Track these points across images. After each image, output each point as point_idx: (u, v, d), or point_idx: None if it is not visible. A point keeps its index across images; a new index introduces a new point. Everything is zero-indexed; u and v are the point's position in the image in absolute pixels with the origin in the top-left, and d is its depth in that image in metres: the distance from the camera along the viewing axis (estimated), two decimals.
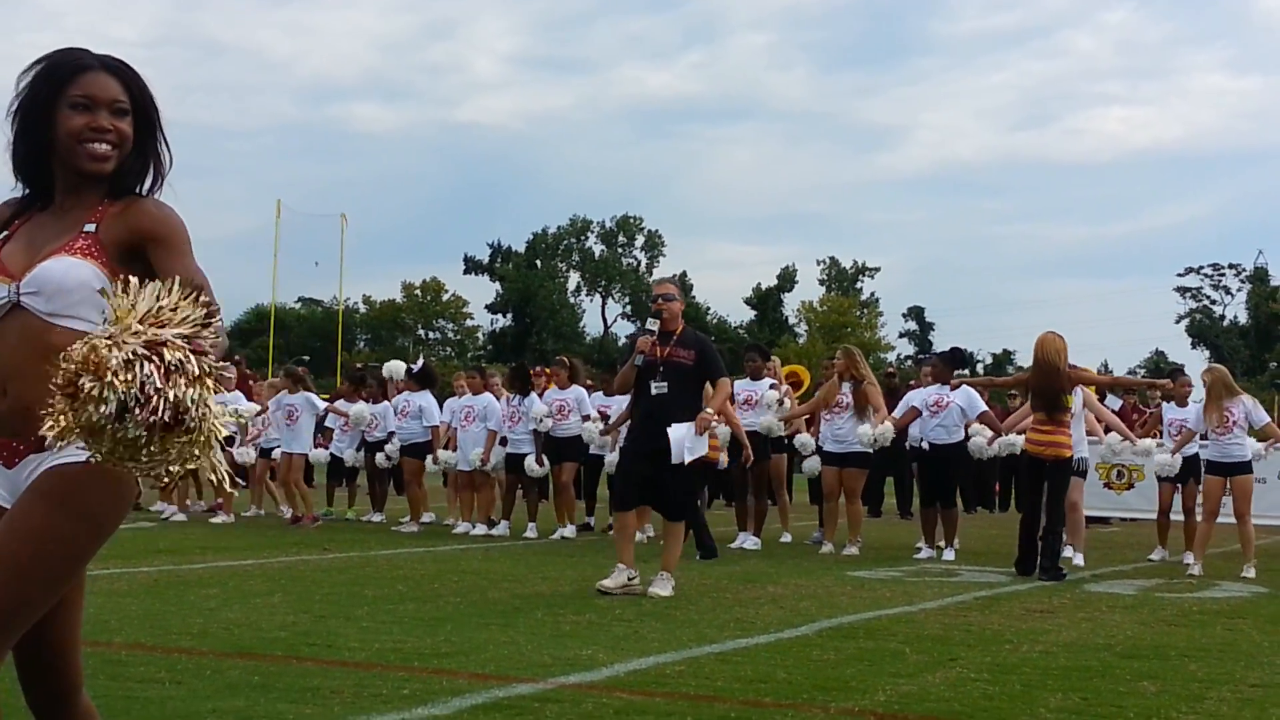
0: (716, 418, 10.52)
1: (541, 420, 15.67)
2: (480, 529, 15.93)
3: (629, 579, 9.92)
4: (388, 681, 6.18)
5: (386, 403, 17.90)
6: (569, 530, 15.57)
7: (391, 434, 17.39)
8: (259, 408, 17.77)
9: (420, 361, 18.03)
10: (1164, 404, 14.91)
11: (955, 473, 14.42)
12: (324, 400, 18.23)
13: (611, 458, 15.44)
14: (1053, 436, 12.06)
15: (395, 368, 18.36)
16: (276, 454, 17.68)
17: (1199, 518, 13.51)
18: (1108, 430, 14.85)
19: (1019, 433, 13.49)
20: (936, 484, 14.16)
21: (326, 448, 18.62)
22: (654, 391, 10.10)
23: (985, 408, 14.66)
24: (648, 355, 10.09)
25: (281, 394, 17.52)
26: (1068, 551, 14.28)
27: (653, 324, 10.19)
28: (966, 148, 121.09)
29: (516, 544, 14.69)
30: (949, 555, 13.75)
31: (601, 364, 28.57)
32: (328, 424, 18.62)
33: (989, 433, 14.22)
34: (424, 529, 16.55)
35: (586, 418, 15.74)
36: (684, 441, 9.83)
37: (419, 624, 8.09)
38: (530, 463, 15.77)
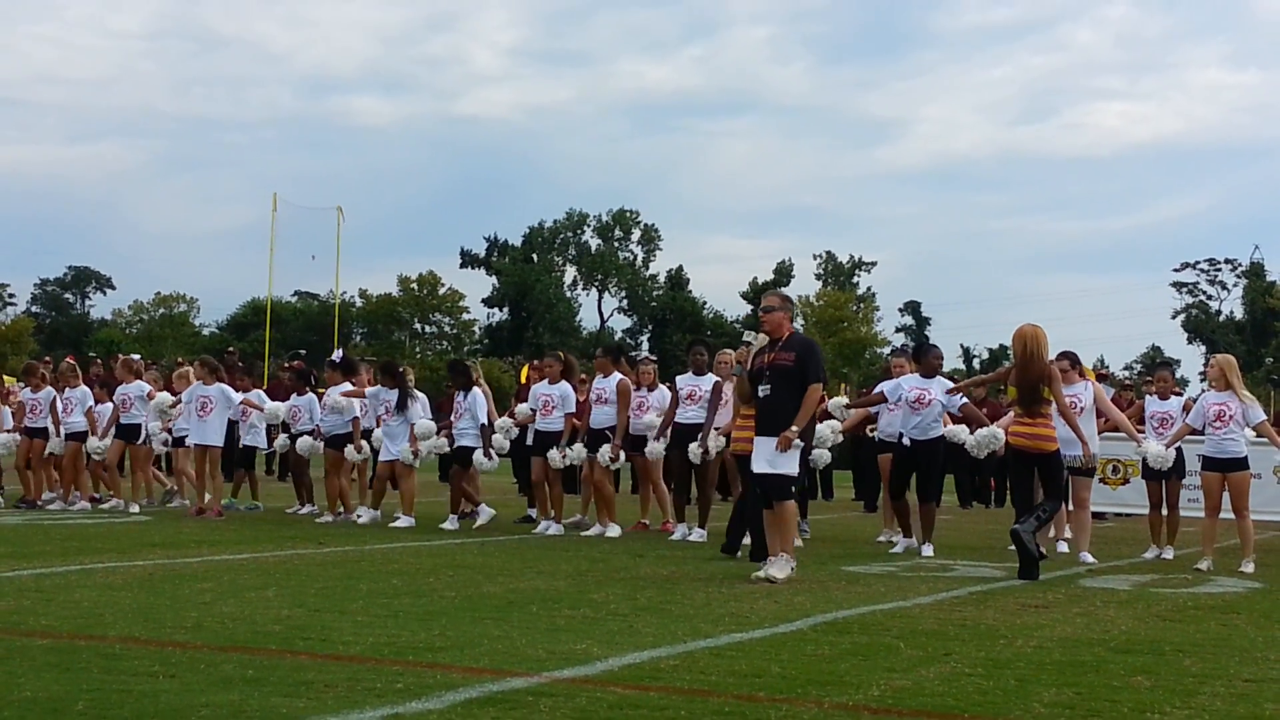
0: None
1: (524, 415, 16.01)
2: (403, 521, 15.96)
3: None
4: (381, 675, 6.18)
5: (311, 395, 17.99)
6: (556, 528, 15.54)
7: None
8: (173, 399, 17.78)
9: (339, 352, 18.05)
10: (1146, 397, 14.90)
11: (935, 468, 14.26)
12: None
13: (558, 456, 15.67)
14: (1035, 429, 11.92)
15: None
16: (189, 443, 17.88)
17: (1187, 513, 13.51)
18: (1110, 426, 14.73)
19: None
20: (917, 479, 14.01)
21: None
22: (760, 394, 10.88)
23: (965, 399, 14.66)
24: (744, 364, 11.05)
25: (196, 385, 17.33)
26: (1063, 546, 14.34)
27: (749, 336, 11.14)
28: (965, 142, 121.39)
29: (511, 538, 14.68)
30: (927, 551, 13.66)
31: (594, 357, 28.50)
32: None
33: (965, 432, 14.27)
34: (340, 520, 16.43)
35: (568, 415, 15.70)
36: (764, 454, 10.62)
37: (413, 618, 8.09)
38: (479, 456, 15.86)
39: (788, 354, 10.81)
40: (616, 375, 15.58)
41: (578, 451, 15.52)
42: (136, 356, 20.04)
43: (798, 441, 10.60)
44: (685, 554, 12.91)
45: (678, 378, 15.32)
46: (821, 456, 15.32)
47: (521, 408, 16.73)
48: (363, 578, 10.25)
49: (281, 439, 18.65)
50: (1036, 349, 11.90)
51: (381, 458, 16.61)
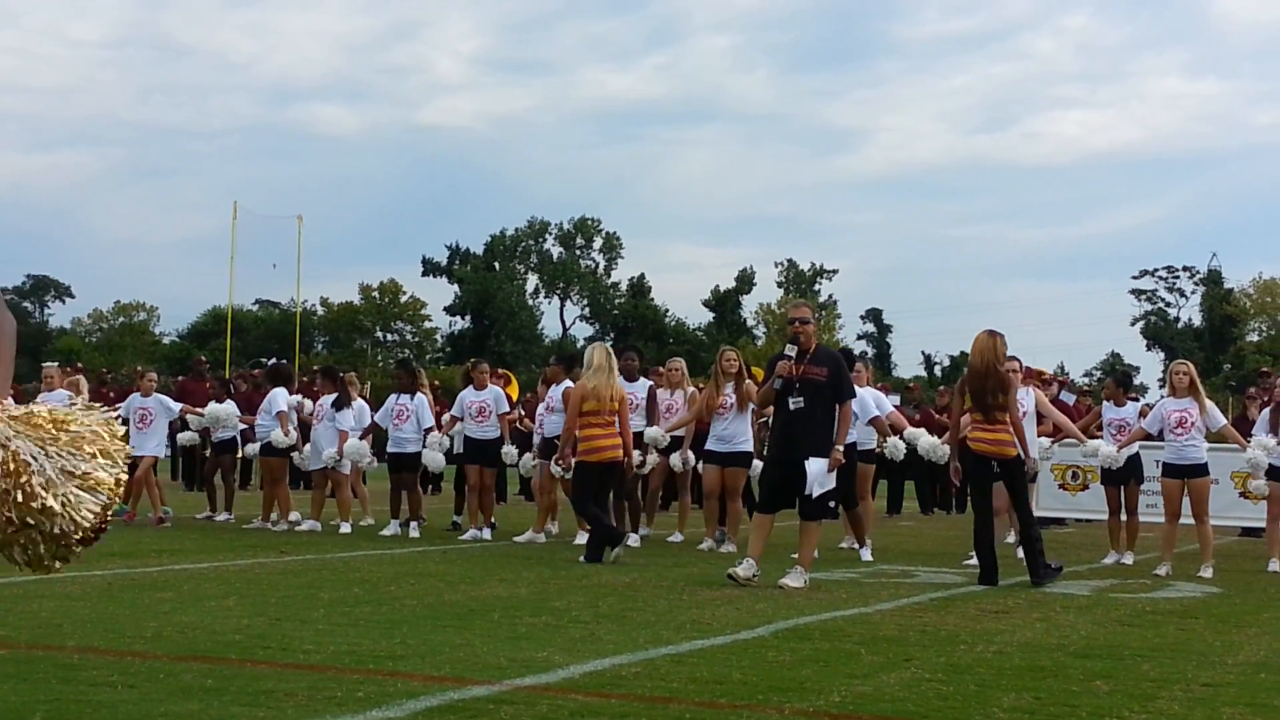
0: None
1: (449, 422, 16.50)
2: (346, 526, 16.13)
3: (754, 574, 10.78)
4: (342, 684, 6.16)
5: (231, 402, 18.27)
6: (486, 532, 15.65)
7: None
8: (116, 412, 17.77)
9: (273, 360, 18.24)
10: (1104, 403, 15.03)
11: (852, 472, 14.26)
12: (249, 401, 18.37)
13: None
14: (995, 434, 11.87)
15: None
16: None
17: (1145, 518, 13.64)
18: (1057, 431, 14.91)
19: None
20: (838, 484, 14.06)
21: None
22: (792, 407, 10.96)
23: (890, 407, 14.86)
24: (785, 377, 10.91)
25: (134, 396, 17.38)
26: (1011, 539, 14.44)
27: (790, 350, 10.98)
28: (926, 150, 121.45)
29: (474, 547, 14.66)
30: (866, 555, 13.82)
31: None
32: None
33: (924, 437, 14.47)
34: (290, 527, 16.37)
35: (502, 416, 15.95)
36: (818, 477, 10.74)
37: (375, 626, 8.07)
38: (429, 454, 16.12)
39: (819, 369, 10.97)
40: (566, 383, 15.51)
41: (522, 460, 15.95)
42: (52, 364, 20.16)
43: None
44: (646, 561, 12.91)
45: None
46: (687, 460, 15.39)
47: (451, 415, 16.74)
48: (324, 586, 10.21)
49: (186, 434, 19.44)
50: (988, 356, 11.92)
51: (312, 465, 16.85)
